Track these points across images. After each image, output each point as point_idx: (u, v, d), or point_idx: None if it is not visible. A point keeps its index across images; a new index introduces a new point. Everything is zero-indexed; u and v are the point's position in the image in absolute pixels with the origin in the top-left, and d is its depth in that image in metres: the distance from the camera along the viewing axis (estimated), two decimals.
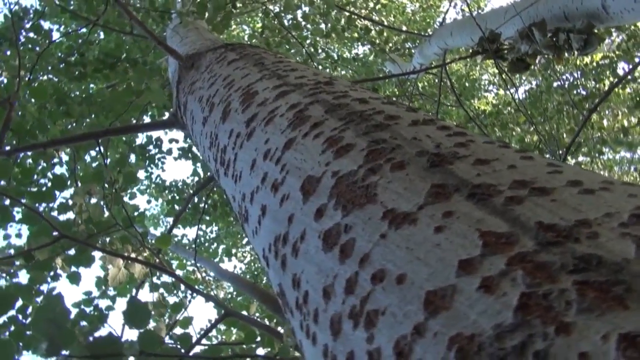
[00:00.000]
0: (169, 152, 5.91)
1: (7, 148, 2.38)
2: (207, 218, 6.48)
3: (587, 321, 0.36)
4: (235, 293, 6.75)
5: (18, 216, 2.85)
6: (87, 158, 5.33)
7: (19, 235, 4.66)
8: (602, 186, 0.52)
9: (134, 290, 3.25)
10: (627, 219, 0.45)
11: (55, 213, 3.00)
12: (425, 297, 0.46)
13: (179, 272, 6.39)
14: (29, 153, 3.60)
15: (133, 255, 2.23)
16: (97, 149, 2.67)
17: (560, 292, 0.38)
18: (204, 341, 2.72)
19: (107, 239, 2.34)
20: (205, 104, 1.51)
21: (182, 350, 1.74)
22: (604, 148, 6.67)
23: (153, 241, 3.06)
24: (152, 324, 2.35)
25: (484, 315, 0.41)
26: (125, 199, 5.05)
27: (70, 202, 2.53)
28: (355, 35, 6.36)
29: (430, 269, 0.48)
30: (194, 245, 4.11)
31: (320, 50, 6.59)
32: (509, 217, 0.49)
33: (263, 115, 1.03)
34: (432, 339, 0.43)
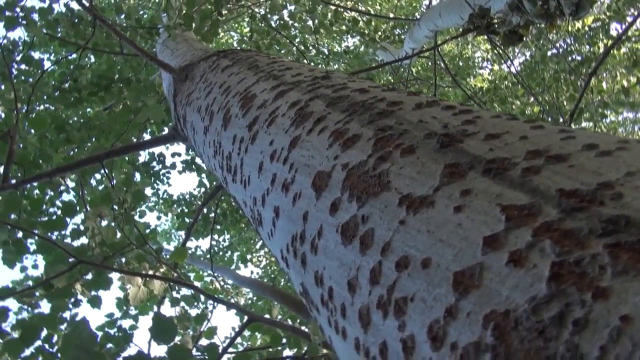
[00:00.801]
0: (173, 166, 5.92)
1: (14, 181, 2.39)
2: (219, 227, 6.50)
3: (624, 284, 0.35)
4: (255, 298, 6.77)
5: (33, 247, 2.88)
6: (93, 182, 5.36)
7: (35, 266, 4.68)
8: (619, 146, 0.52)
9: (155, 307, 3.26)
10: None
11: (68, 240, 3.02)
12: (454, 279, 0.45)
13: (197, 284, 6.42)
14: (36, 184, 3.62)
15: (150, 272, 2.23)
16: (102, 171, 2.68)
17: (592, 258, 0.38)
18: (230, 349, 2.72)
19: (123, 260, 2.34)
20: (204, 113, 1.50)
21: None
22: (606, 111, 6.62)
23: (168, 256, 3.07)
24: (177, 338, 2.36)
25: (516, 289, 0.40)
26: (136, 217, 5.07)
27: (82, 227, 2.54)
28: (344, 28, 6.34)
29: (454, 249, 0.47)
30: (208, 256, 4.11)
31: (310, 47, 6.57)
32: (528, 188, 0.48)
33: (264, 117, 1.02)
34: (465, 319, 0.43)
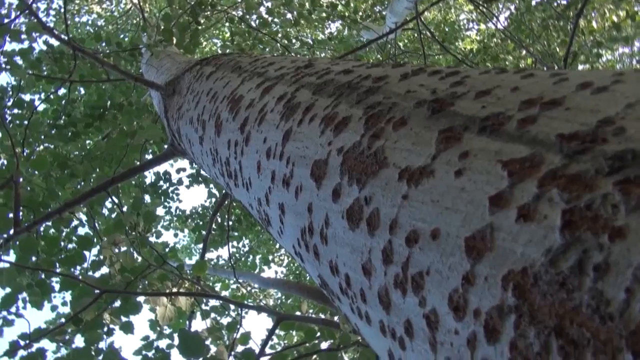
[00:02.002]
0: (180, 182, 5.93)
1: (26, 225, 2.40)
2: (236, 234, 6.51)
3: None
4: (283, 297, 6.80)
5: (57, 286, 2.90)
6: (105, 211, 5.39)
7: (64, 303, 4.72)
8: (614, 80, 0.49)
9: (187, 323, 3.28)
10: None
11: (90, 272, 3.04)
12: (465, 245, 0.44)
13: (225, 293, 6.45)
14: (49, 223, 3.65)
15: (174, 289, 2.24)
16: (110, 199, 2.69)
17: (603, 198, 0.36)
18: (268, 350, 2.74)
19: (146, 282, 2.35)
20: (196, 123, 1.49)
21: None
22: (600, 50, 6.51)
23: (190, 271, 3.08)
24: (212, 350, 2.37)
25: (530, 245, 0.38)
26: (153, 239, 5.10)
27: (101, 257, 2.56)
28: (324, 14, 6.28)
29: (461, 215, 0.46)
30: (231, 263, 4.13)
31: (294, 40, 6.52)
32: (527, 139, 0.46)
33: (254, 116, 1.01)
34: (484, 284, 0.41)
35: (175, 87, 1.96)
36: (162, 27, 3.98)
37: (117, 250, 2.40)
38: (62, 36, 2.98)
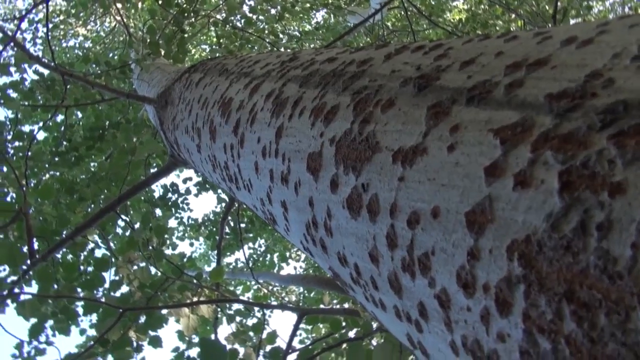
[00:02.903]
0: (188, 192, 5.95)
1: (41, 255, 2.42)
2: (250, 235, 6.53)
3: (638, 170, 0.32)
4: (306, 291, 6.82)
5: (81, 310, 2.93)
6: (119, 230, 5.42)
7: (92, 326, 4.77)
8: (599, 31, 0.48)
9: (213, 329, 3.31)
10: (637, 51, 0.40)
11: (112, 292, 3.06)
12: (466, 220, 0.43)
13: (247, 295, 6.48)
14: (64, 249, 3.68)
15: (195, 298, 2.25)
16: (120, 218, 2.70)
17: (599, 154, 0.35)
18: (299, 345, 2.75)
19: (167, 295, 2.37)
20: (192, 132, 1.49)
21: None
22: (590, 2, 6.40)
23: (209, 278, 3.09)
24: (241, 352, 2.38)
25: (530, 211, 0.37)
26: (169, 251, 5.13)
27: (119, 276, 2.58)
28: (308, 5, 6.23)
29: (459, 190, 0.45)
30: (248, 265, 4.15)
31: (281, 35, 6.49)
32: (515, 104, 0.45)
33: (245, 117, 1.00)
34: (489, 257, 0.40)
35: (167, 98, 1.96)
36: (148, 41, 3.97)
37: (133, 268, 2.42)
38: (51, 63, 2.98)
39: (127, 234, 5.10)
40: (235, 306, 4.13)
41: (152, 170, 5.18)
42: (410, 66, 0.64)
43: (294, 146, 0.77)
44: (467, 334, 0.45)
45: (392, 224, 0.53)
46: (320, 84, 0.79)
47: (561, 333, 0.34)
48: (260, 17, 6.01)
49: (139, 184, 2.24)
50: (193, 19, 5.10)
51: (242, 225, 5.72)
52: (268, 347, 2.71)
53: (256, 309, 4.52)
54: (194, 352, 3.93)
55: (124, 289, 2.91)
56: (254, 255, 7.84)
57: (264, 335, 2.60)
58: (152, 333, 2.88)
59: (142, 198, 5.64)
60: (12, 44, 2.40)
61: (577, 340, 0.33)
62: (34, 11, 6.45)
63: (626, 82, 0.38)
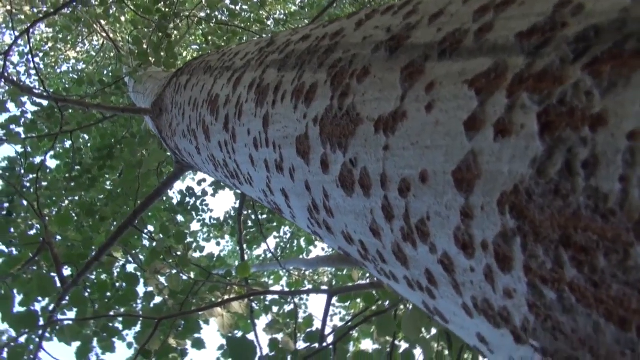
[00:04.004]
0: (204, 193, 5.99)
1: (71, 281, 2.47)
2: (274, 224, 6.57)
3: (617, 97, 0.30)
4: (337, 270, 6.86)
5: (120, 326, 2.99)
6: (146, 242, 5.49)
7: (135, 339, 4.87)
8: None
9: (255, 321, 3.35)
10: None
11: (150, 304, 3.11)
12: (454, 179, 0.41)
13: (279, 285, 6.55)
14: (98, 270, 3.75)
15: (226, 297, 2.28)
16: (140, 232, 2.73)
17: (575, 87, 0.33)
18: (339, 323, 2.77)
19: (198, 298, 2.40)
20: (189, 135, 1.48)
21: (317, 345, 1.77)
22: None
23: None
24: (280, 338, 2.41)
25: (514, 160, 0.35)
26: (197, 254, 5.19)
27: (151, 288, 2.61)
28: None
29: (442, 149, 0.43)
30: (275, 255, 4.17)
31: (268, 22, 6.40)
32: (487, 49, 0.43)
33: (233, 112, 0.98)
34: (482, 214, 0.39)
35: (160, 106, 1.95)
36: (136, 51, 3.95)
37: (162, 278, 2.45)
38: (44, 93, 2.99)
39: (155, 244, 5.18)
40: (270, 297, 4.17)
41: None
42: (380, 30, 0.62)
43: (282, 132, 0.75)
44: (475, 295, 0.43)
45: (386, 196, 0.51)
46: (297, 64, 0.77)
47: (564, 281, 0.32)
48: (244, 7, 5.93)
49: (152, 195, 2.25)
50: (178, 22, 5.06)
51: (264, 216, 5.75)
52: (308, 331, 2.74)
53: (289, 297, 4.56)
54: None
55: (158, 299, 2.96)
56: (281, 244, 7.90)
57: (300, 320, 2.62)
58: (195, 335, 2.94)
59: (163, 207, 5.70)
60: (2, 80, 2.41)
61: (580, 286, 0.31)
62: (20, 42, 6.48)
63: (596, 5, 0.35)
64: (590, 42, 0.33)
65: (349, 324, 2.67)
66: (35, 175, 4.97)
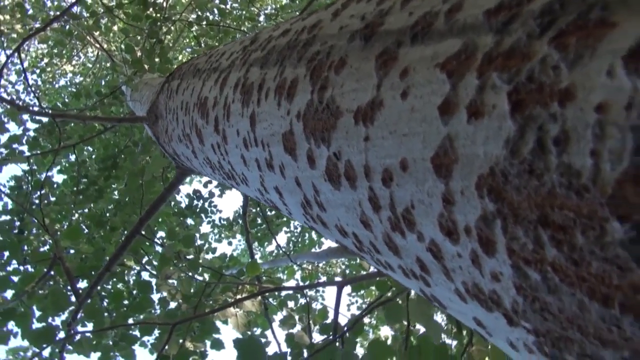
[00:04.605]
0: (211, 194, 6.01)
1: (86, 294, 2.49)
2: (284, 219, 6.58)
3: (584, 69, 0.29)
4: (348, 260, 6.87)
5: (138, 333, 3.02)
6: (159, 248, 5.53)
7: (153, 345, 4.93)
8: None
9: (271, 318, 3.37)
10: None
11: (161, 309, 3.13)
12: (433, 165, 0.41)
13: (296, 277, 6.56)
14: (114, 280, 3.78)
15: (238, 296, 2.29)
16: (147, 239, 2.75)
17: (542, 63, 0.32)
18: (356, 313, 2.77)
19: (211, 300, 2.41)
20: (184, 139, 1.48)
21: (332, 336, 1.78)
22: None
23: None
24: (296, 331, 2.42)
25: (488, 141, 0.35)
26: (209, 256, 5.22)
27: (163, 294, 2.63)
28: None
29: (420, 136, 0.42)
30: (291, 247, 4.18)
31: (260, 18, 6.37)
32: (457, 30, 0.42)
33: (222, 113, 0.98)
34: (462, 199, 0.38)
35: (155, 112, 1.95)
36: (130, 59, 3.95)
37: (173, 283, 2.46)
38: (41, 110, 3.00)
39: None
40: (285, 292, 4.18)
41: None
42: (356, 18, 0.61)
43: (268, 130, 0.75)
44: (465, 280, 0.43)
45: (371, 186, 0.51)
46: (277, 60, 0.76)
47: (546, 261, 0.32)
48: (235, 5, 5.90)
49: (157, 202, 2.26)
50: (169, 26, 5.05)
51: (272, 212, 5.75)
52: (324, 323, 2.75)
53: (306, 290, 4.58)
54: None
55: (173, 304, 2.98)
56: (292, 238, 7.91)
57: (316, 313, 2.63)
58: (215, 336, 2.96)
59: (171, 212, 5.73)
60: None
61: (562, 265, 0.31)
62: (16, 60, 6.51)
63: None
64: (555, 14, 0.32)
65: (364, 313, 2.68)
66: (42, 191, 5.01)
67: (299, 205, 0.77)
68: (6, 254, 3.33)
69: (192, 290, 2.51)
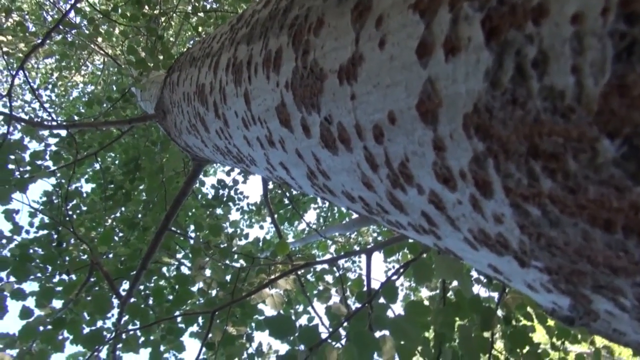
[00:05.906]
0: (235, 182, 6.05)
1: (125, 294, 2.56)
2: (311, 195, 6.60)
3: None
4: (378, 227, 6.86)
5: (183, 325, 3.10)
6: (191, 241, 5.63)
7: (197, 334, 5.06)
8: None
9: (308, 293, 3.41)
10: None
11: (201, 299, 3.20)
12: (419, 113, 0.39)
13: (331, 251, 6.61)
14: (155, 277, 3.88)
15: (272, 276, 2.32)
16: (176, 233, 2.79)
17: None
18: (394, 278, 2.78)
19: (246, 284, 2.45)
20: (192, 130, 1.48)
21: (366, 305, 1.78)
22: None
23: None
24: (332, 303, 2.45)
25: (469, 77, 0.33)
26: (242, 242, 5.28)
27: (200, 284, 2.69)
28: None
29: (402, 85, 0.40)
30: (322, 223, 4.19)
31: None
32: None
33: (219, 97, 0.97)
34: (452, 143, 0.36)
35: (162, 108, 1.95)
36: (134, 60, 3.96)
37: (207, 272, 2.51)
38: (53, 122, 3.05)
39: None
40: (320, 267, 4.22)
41: None
42: None
43: (263, 106, 0.73)
44: (471, 227, 0.41)
45: (365, 146, 0.49)
46: (261, 33, 0.74)
47: (543, 194, 0.30)
48: None
49: (179, 196, 2.28)
50: (168, 20, 5.02)
51: (288, 194, 5.77)
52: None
53: (340, 262, 4.60)
54: (303, 319, 4.08)
55: (213, 293, 3.05)
56: (322, 214, 7.94)
57: (349, 284, 2.64)
58: (259, 318, 3.02)
59: (199, 205, 5.81)
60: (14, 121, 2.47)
61: (559, 196, 0.29)
62: (22, 77, 6.60)
63: None
64: None
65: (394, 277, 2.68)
66: (72, 202, 5.14)
67: (305, 178, 0.76)
68: (50, 267, 3.45)
69: (227, 277, 2.55)
